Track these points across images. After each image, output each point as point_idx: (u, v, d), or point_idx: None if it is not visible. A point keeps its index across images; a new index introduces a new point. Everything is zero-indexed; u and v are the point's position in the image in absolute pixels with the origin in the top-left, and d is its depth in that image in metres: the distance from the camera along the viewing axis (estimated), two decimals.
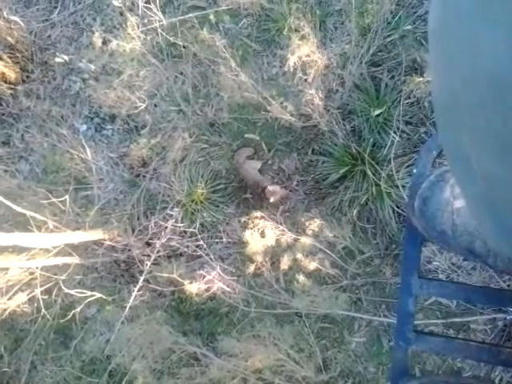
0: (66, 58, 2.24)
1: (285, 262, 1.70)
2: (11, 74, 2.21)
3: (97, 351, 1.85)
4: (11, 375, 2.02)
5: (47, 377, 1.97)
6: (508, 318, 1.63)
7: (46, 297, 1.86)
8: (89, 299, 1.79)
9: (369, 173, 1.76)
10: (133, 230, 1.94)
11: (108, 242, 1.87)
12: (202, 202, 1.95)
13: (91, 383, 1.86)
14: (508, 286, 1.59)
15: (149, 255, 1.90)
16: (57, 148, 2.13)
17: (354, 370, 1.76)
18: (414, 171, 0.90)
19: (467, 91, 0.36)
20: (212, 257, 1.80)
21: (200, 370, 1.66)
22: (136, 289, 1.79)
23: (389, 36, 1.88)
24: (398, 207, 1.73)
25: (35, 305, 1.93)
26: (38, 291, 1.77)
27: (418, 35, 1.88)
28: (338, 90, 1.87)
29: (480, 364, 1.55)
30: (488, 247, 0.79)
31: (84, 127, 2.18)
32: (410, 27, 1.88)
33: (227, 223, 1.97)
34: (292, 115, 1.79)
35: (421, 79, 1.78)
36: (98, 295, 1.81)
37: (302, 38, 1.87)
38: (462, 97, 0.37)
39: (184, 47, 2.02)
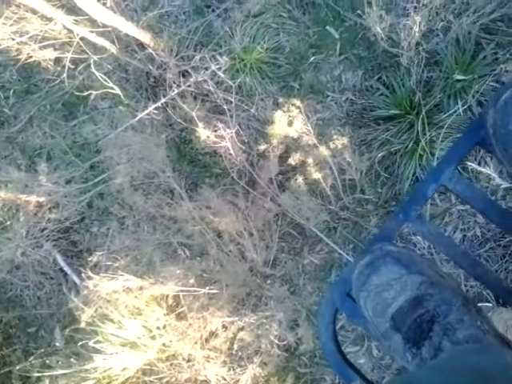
0: None
1: (294, 159, 1.71)
2: None
3: (91, 139, 1.91)
4: (8, 118, 2.10)
5: (38, 137, 2.05)
6: None
7: (72, 66, 1.88)
8: (107, 90, 1.81)
9: (416, 127, 1.71)
10: (177, 54, 1.91)
11: (150, 51, 1.84)
12: (251, 65, 1.90)
13: (74, 163, 1.94)
14: None
15: (179, 85, 1.89)
16: None
17: (294, 281, 1.86)
18: None
19: None
20: (234, 118, 1.80)
21: (170, 203, 1.74)
22: (154, 106, 1.81)
23: None
24: (421, 170, 1.71)
25: (58, 68, 1.95)
26: (68, 56, 1.77)
27: None
28: (438, 35, 1.75)
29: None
30: None
31: None
32: None
33: (262, 99, 1.94)
34: (383, 31, 1.68)
35: None
36: (118, 92, 1.82)
37: None
38: None
39: None
